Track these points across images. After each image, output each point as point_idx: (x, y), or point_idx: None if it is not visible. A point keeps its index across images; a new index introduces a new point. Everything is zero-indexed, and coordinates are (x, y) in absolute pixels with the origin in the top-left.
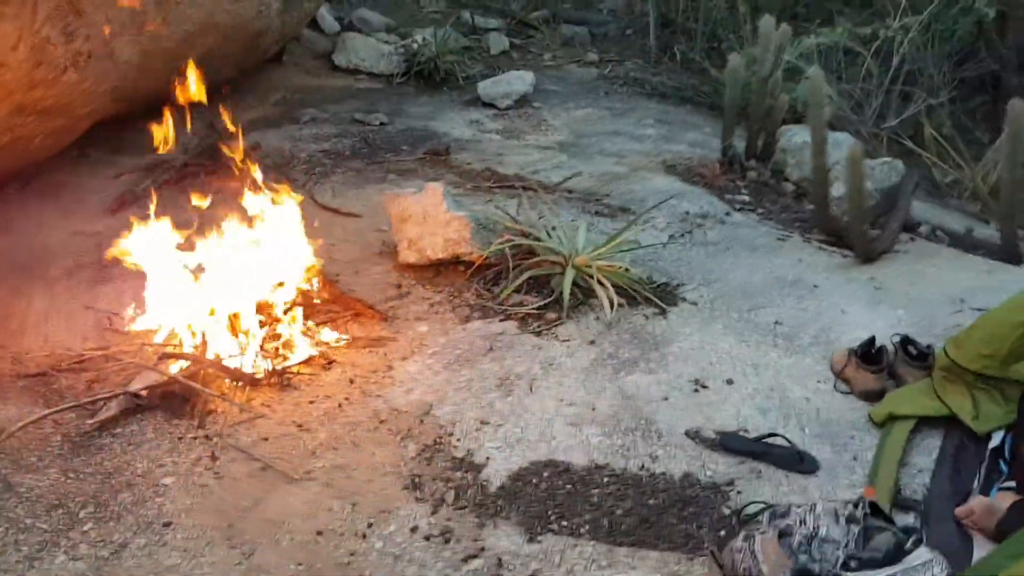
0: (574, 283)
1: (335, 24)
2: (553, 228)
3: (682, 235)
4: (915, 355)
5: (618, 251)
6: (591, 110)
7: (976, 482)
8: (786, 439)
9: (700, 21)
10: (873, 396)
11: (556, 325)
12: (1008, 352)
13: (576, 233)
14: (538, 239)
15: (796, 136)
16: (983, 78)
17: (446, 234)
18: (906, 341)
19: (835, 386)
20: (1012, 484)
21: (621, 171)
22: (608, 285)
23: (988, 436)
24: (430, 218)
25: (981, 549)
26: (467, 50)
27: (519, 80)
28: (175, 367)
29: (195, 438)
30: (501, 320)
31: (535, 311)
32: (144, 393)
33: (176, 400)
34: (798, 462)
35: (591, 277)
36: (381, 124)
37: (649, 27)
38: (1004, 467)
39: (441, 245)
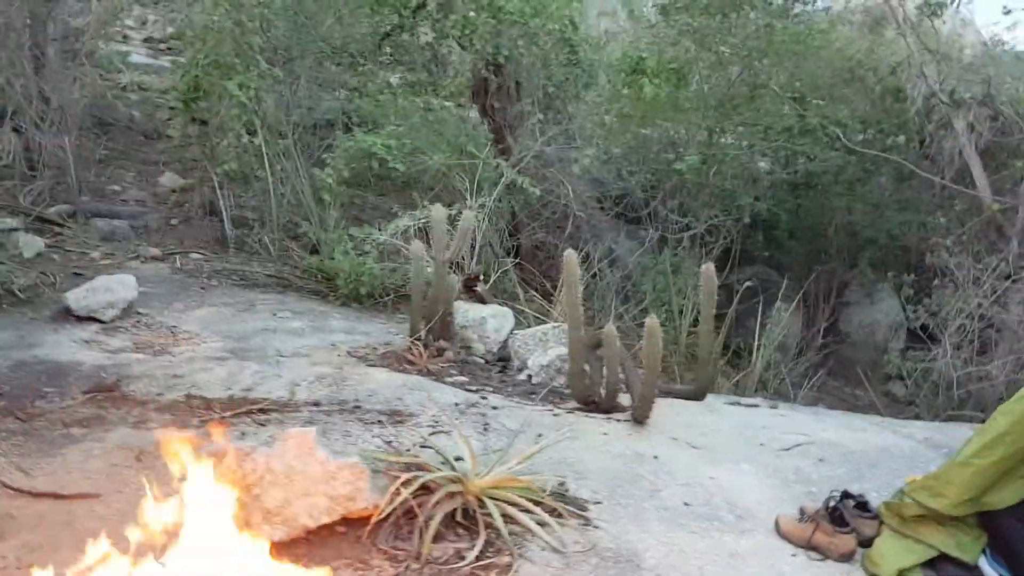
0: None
1: None
2: (423, 446)
3: (484, 429)
4: (856, 506)
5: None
6: (210, 309)
7: None
8: None
9: (273, 211)
10: (851, 556)
11: (513, 573)
12: (986, 489)
13: (463, 453)
14: (426, 469)
15: (469, 312)
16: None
17: (331, 491)
18: (845, 495)
19: (808, 556)
20: None
21: (328, 371)
22: (536, 509)
23: (976, 564)
24: (298, 475)
25: None
26: None
27: (121, 285)
28: None
29: None
30: None
31: (479, 561)
32: None
33: None
34: None
35: (506, 502)
36: None
37: (194, 216)
38: None
39: (325, 507)
